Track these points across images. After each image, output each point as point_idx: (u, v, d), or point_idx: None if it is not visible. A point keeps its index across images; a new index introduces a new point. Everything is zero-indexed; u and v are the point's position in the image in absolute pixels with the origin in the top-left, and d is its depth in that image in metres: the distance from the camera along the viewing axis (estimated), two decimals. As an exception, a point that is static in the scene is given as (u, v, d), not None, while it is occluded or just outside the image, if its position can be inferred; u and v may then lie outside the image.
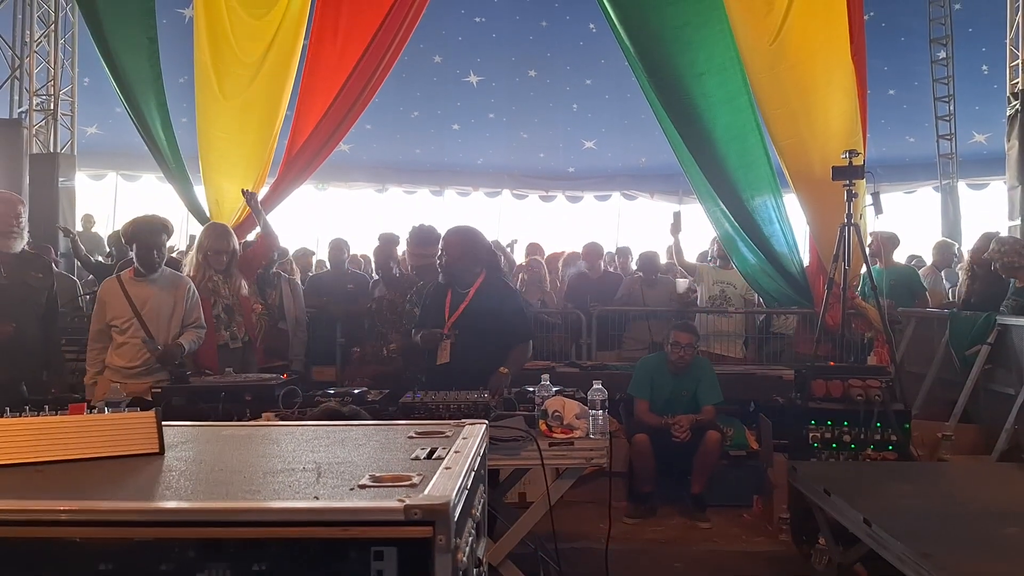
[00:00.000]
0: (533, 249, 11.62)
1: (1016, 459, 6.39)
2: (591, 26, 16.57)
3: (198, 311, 6.21)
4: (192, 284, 6.28)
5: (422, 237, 6.94)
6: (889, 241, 9.57)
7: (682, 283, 9.18)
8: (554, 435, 4.43)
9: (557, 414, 4.49)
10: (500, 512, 5.04)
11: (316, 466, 1.96)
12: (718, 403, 7.30)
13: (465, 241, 5.98)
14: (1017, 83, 10.56)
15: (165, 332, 5.97)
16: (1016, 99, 10.17)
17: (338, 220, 17.66)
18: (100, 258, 10.76)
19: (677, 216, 9.32)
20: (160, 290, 6.02)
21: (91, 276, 10.34)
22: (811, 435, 6.26)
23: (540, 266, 9.99)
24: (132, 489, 1.83)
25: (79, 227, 12.35)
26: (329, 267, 9.81)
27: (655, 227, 18.87)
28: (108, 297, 5.99)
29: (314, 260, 12.11)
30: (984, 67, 15.28)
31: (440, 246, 6.01)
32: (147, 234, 5.99)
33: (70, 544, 1.59)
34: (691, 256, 10.03)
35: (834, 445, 6.25)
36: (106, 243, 10.59)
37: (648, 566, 5.99)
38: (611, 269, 11.13)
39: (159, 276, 6.05)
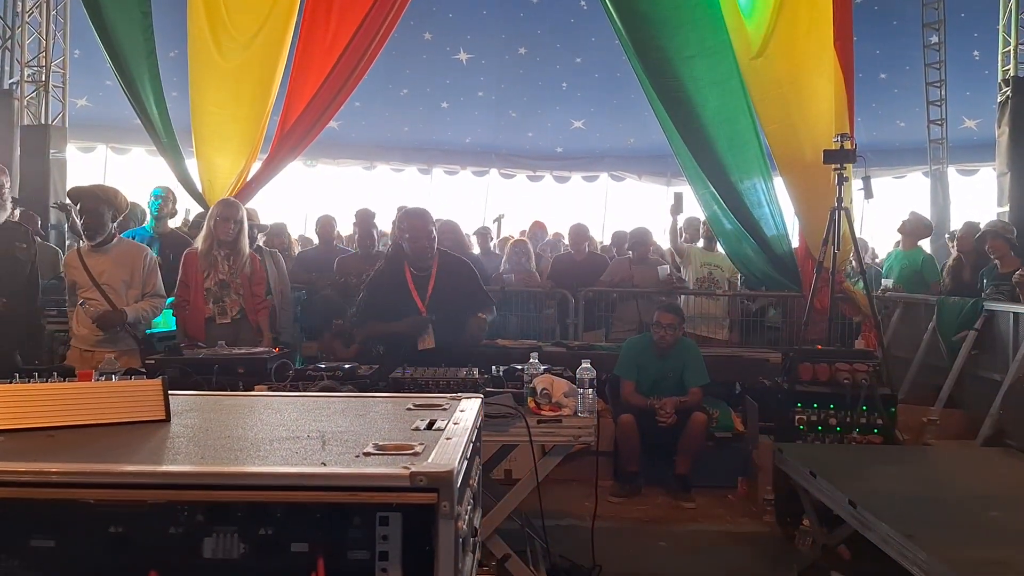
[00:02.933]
0: (539, 227, 11.73)
1: (1000, 444, 6.42)
2: (582, 3, 16.51)
3: (155, 279, 6.32)
4: (150, 252, 6.40)
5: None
6: (920, 225, 9.61)
7: (663, 269, 9.16)
8: (542, 412, 4.43)
9: (545, 392, 4.49)
10: (487, 488, 5.06)
11: (320, 435, 1.99)
12: (704, 385, 7.32)
13: (427, 222, 6.02)
14: (1008, 69, 10.57)
15: (122, 300, 6.09)
16: (1007, 86, 10.17)
17: (326, 197, 17.59)
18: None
19: (679, 197, 9.29)
20: (114, 259, 6.16)
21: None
22: (797, 418, 6.29)
23: (524, 245, 10.01)
24: (143, 453, 1.85)
25: (65, 200, 12.29)
26: (318, 243, 9.82)
27: (642, 208, 18.96)
28: (70, 268, 6.20)
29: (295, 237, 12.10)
30: (976, 53, 15.27)
31: (403, 227, 6.03)
32: (88, 200, 6.13)
33: (83, 506, 1.61)
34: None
35: (820, 428, 6.28)
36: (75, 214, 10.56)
37: (633, 544, 6.01)
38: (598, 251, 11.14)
39: (114, 246, 6.19)
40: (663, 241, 10.47)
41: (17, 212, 8.33)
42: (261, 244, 7.95)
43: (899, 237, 10.32)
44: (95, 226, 6.07)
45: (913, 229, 9.58)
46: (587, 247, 9.95)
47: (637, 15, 8.46)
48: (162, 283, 6.39)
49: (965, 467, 5.36)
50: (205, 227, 6.88)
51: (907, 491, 4.53)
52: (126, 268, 6.15)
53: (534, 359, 4.90)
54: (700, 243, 9.64)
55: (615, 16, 8.52)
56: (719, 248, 9.26)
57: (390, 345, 5.98)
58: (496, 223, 12.76)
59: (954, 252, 9.19)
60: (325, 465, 1.70)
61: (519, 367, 4.95)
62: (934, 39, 15.44)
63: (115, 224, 6.25)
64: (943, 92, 15.55)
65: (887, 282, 9.75)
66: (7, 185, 6.14)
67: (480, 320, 6.11)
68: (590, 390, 4.48)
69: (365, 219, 8.34)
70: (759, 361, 7.91)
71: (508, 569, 4.59)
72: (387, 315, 5.93)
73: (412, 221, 5.99)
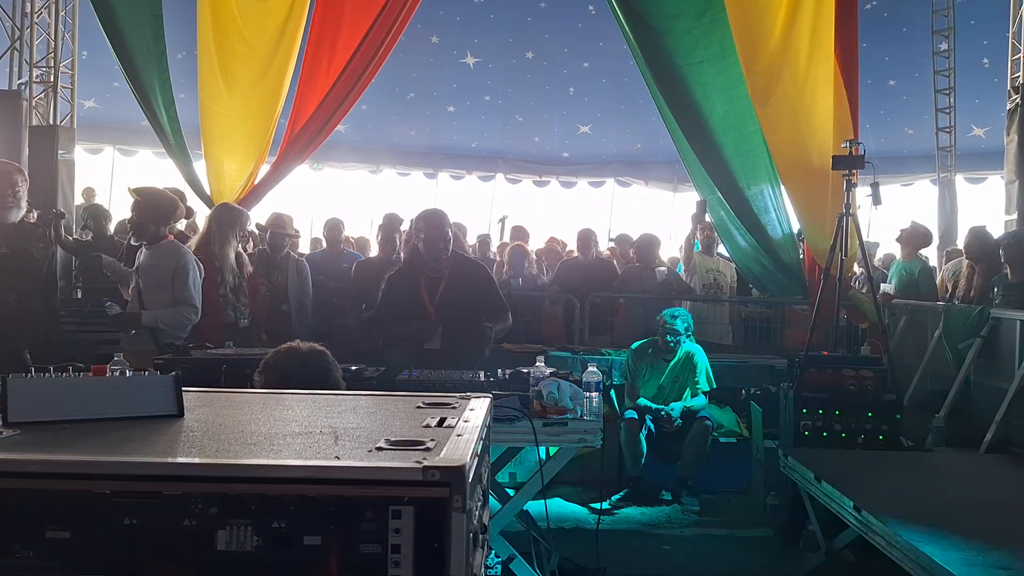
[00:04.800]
0: (518, 233, 11.66)
1: (1004, 451, 6.43)
2: (590, 8, 16.48)
3: (185, 287, 6.16)
4: (186, 259, 6.25)
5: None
6: (916, 234, 9.58)
7: (661, 272, 9.18)
8: (548, 415, 4.44)
9: (552, 394, 4.50)
10: (492, 490, 5.07)
11: (332, 430, 2.00)
12: (710, 390, 7.33)
13: (443, 223, 6.00)
14: (1018, 77, 10.53)
15: (155, 302, 6.03)
16: (1017, 93, 10.15)
17: (332, 200, 17.62)
18: (74, 235, 10.59)
19: (701, 205, 9.25)
20: (157, 261, 6.09)
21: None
22: (802, 423, 6.28)
23: (523, 248, 10.05)
24: (158, 447, 1.86)
25: (79, 200, 12.35)
26: (325, 246, 9.82)
27: (648, 214, 18.96)
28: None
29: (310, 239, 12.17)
30: (985, 60, 15.23)
31: (419, 227, 6.02)
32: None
33: (98, 498, 1.63)
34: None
35: (825, 434, 6.26)
36: (82, 216, 10.58)
37: (637, 548, 6.03)
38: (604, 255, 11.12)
39: (161, 247, 6.11)
40: (671, 248, 10.46)
41: (34, 214, 8.35)
42: (289, 251, 7.92)
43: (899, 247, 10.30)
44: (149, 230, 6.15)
45: (910, 238, 9.54)
46: (594, 252, 9.93)
47: (644, 20, 8.48)
48: (194, 292, 6.10)
49: (970, 473, 5.37)
50: (213, 235, 6.84)
51: (911, 496, 4.54)
52: (165, 270, 6.07)
53: (540, 362, 4.92)
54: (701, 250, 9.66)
55: (623, 21, 8.55)
56: (718, 253, 9.29)
57: (399, 347, 5.99)
58: (500, 224, 12.79)
59: (964, 261, 9.17)
60: (339, 459, 1.72)
61: (525, 370, 4.96)
62: (943, 46, 15.41)
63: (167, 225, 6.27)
64: (952, 99, 15.53)
65: (887, 287, 9.75)
66: (21, 185, 6.14)
67: (503, 319, 6.06)
68: (596, 393, 4.50)
69: (390, 224, 8.32)
70: (765, 367, 7.92)
71: (513, 570, 4.60)
72: (399, 316, 5.94)
73: (428, 221, 5.95)
